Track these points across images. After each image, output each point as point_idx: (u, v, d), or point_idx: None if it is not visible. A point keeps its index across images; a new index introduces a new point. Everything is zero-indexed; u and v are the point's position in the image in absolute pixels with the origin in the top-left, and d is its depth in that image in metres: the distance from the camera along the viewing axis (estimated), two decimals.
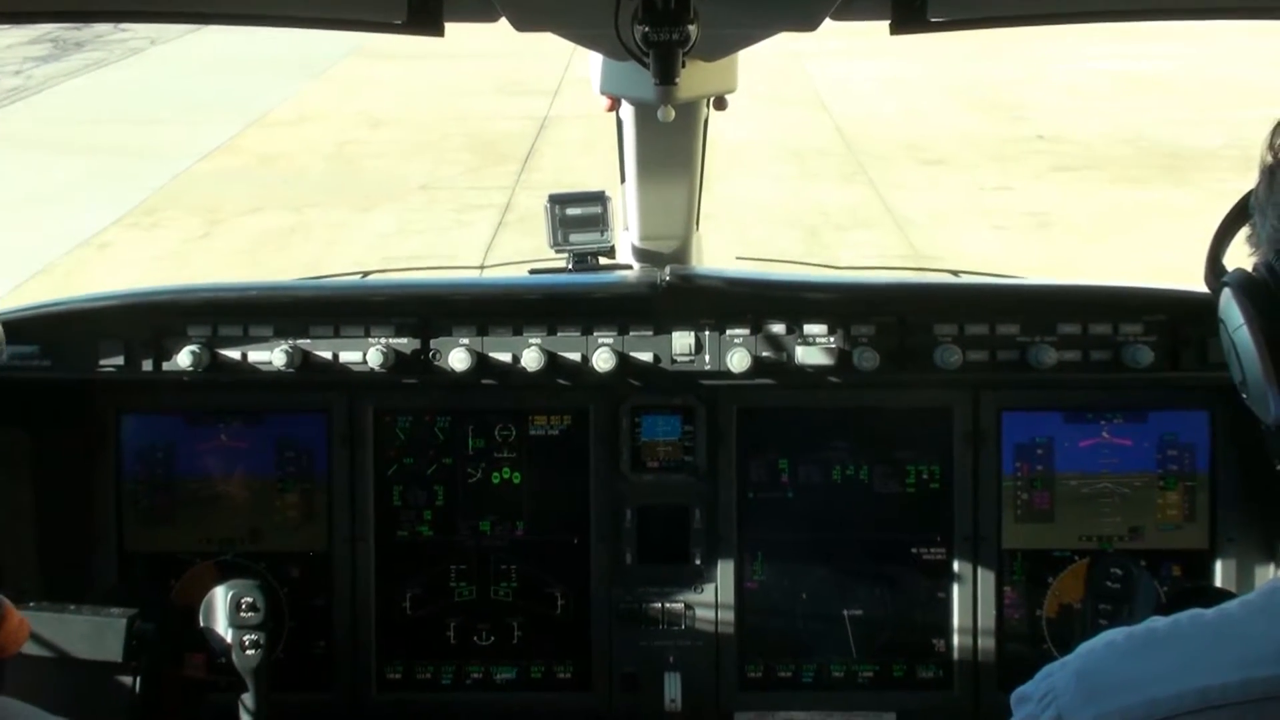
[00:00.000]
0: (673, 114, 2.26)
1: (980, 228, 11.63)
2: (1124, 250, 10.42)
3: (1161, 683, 1.23)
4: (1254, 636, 1.24)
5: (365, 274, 3.24)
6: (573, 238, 2.99)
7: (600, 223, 2.98)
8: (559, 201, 2.99)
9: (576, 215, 2.98)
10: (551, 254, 3.06)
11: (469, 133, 15.73)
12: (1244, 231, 1.49)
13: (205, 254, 11.19)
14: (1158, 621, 1.31)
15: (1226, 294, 1.47)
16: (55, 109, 18.24)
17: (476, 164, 14.25)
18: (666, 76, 1.99)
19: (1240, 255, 1.52)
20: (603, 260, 3.00)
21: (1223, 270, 1.55)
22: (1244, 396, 1.52)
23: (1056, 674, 1.32)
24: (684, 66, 2.02)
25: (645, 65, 2.01)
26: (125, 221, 12.30)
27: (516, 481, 2.86)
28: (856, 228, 11.69)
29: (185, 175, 14.02)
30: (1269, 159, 1.41)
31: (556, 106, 16.52)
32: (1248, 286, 1.43)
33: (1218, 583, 2.80)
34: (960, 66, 19.45)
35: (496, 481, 2.86)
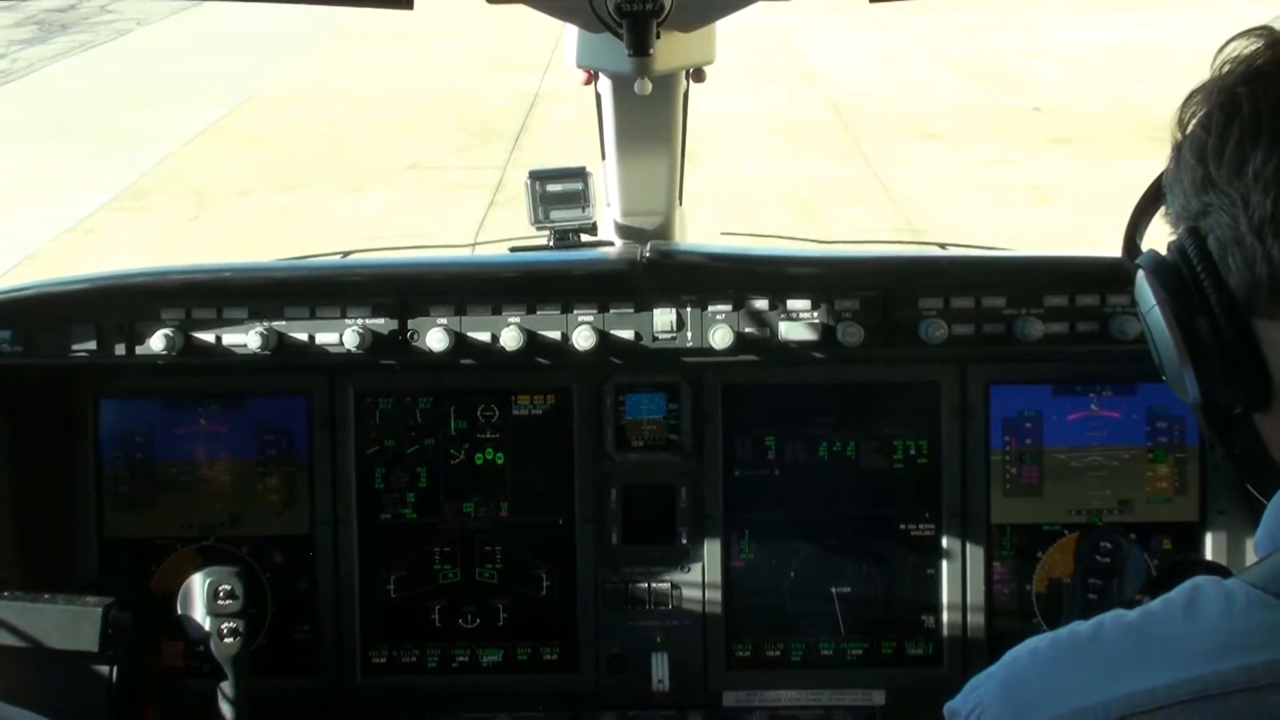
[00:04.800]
0: (650, 87, 2.24)
1: (978, 202, 11.56)
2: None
3: (1087, 690, 1.21)
4: (1178, 637, 1.22)
5: (346, 254, 3.20)
6: (554, 214, 2.95)
7: (581, 199, 2.94)
8: (539, 178, 2.96)
9: (557, 192, 2.95)
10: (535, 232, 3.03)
11: (458, 111, 15.64)
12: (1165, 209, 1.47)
13: (195, 238, 11.12)
14: (1080, 625, 1.28)
15: (1140, 276, 1.45)
16: (41, 92, 18.12)
17: (467, 143, 14.16)
18: (641, 48, 1.96)
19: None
20: (585, 237, 2.97)
21: (1138, 251, 1.54)
22: (1163, 378, 1.49)
23: (983, 687, 1.29)
24: (659, 38, 1.99)
25: (619, 36, 1.98)
26: (113, 205, 12.20)
27: (500, 462, 2.83)
28: (852, 203, 11.62)
29: (173, 158, 13.93)
30: (1177, 135, 1.39)
31: (547, 83, 16.42)
32: (1158, 267, 1.41)
33: (1208, 555, 2.78)
34: (955, 39, 19.33)
35: (480, 462, 2.83)
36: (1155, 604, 1.26)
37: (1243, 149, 1.29)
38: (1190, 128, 1.37)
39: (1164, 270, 1.40)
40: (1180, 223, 1.39)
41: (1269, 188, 1.26)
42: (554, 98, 15.50)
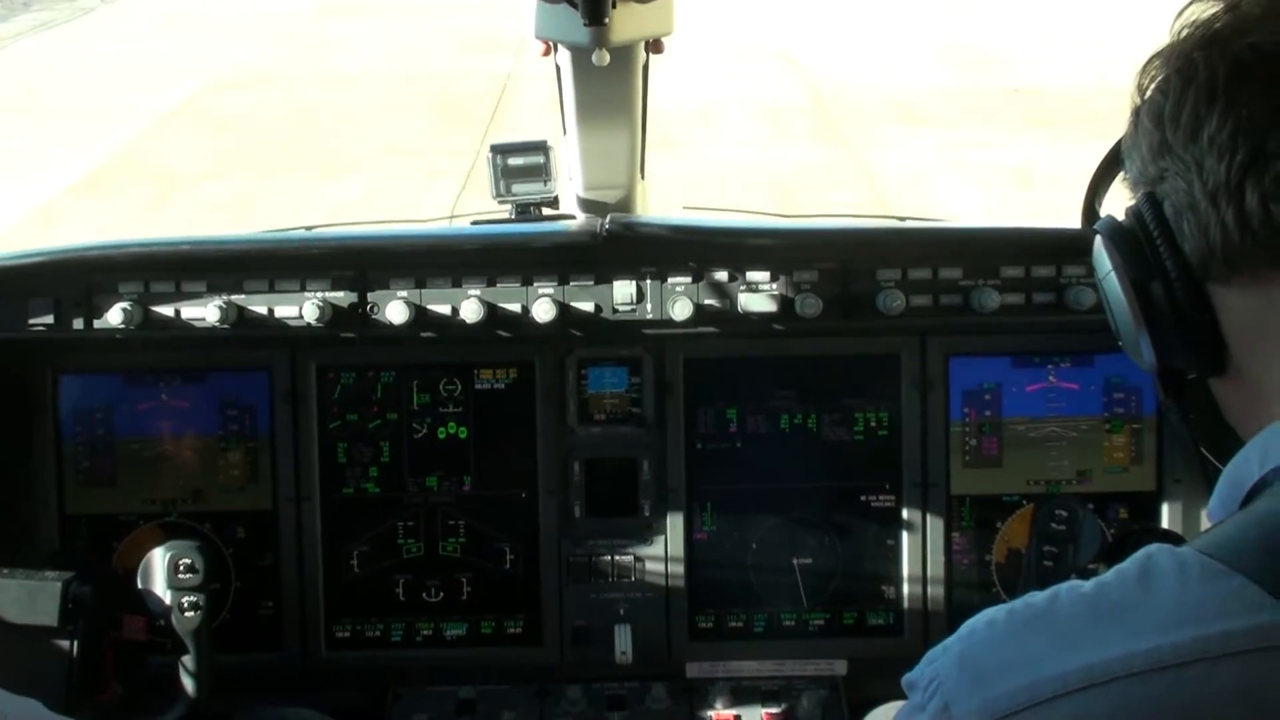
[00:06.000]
0: (607, 58, 2.24)
1: (960, 186, 11.51)
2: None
3: (1044, 662, 1.20)
4: (1133, 607, 1.21)
5: (310, 228, 3.19)
6: (515, 188, 2.95)
7: (543, 173, 2.94)
8: (501, 151, 2.95)
9: (519, 165, 2.94)
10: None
11: (432, 92, 15.48)
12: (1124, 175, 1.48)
13: (161, 224, 10.96)
14: (1036, 597, 1.27)
15: (1097, 241, 1.46)
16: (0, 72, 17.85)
17: (441, 125, 14.01)
18: (596, 17, 1.97)
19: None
20: (546, 211, 2.96)
21: (1096, 217, 1.54)
22: (1120, 345, 1.50)
23: (939, 659, 1.28)
24: (614, 8, 1.99)
25: (574, 6, 1.98)
26: (75, 190, 11.95)
27: (463, 436, 2.83)
28: (833, 189, 11.57)
29: (139, 140, 13.73)
30: (1136, 100, 1.40)
31: (522, 63, 16.29)
32: (1114, 233, 1.42)
33: (1164, 524, 2.81)
34: (935, 17, 19.24)
35: (442, 436, 2.83)
36: (1109, 575, 1.26)
37: (1198, 114, 1.30)
38: (1149, 92, 1.38)
39: (1120, 236, 1.41)
40: (1138, 188, 1.40)
41: (1223, 153, 1.27)
42: (529, 78, 15.37)
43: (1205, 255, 1.32)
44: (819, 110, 14.59)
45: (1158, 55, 1.38)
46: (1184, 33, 1.36)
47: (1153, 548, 1.26)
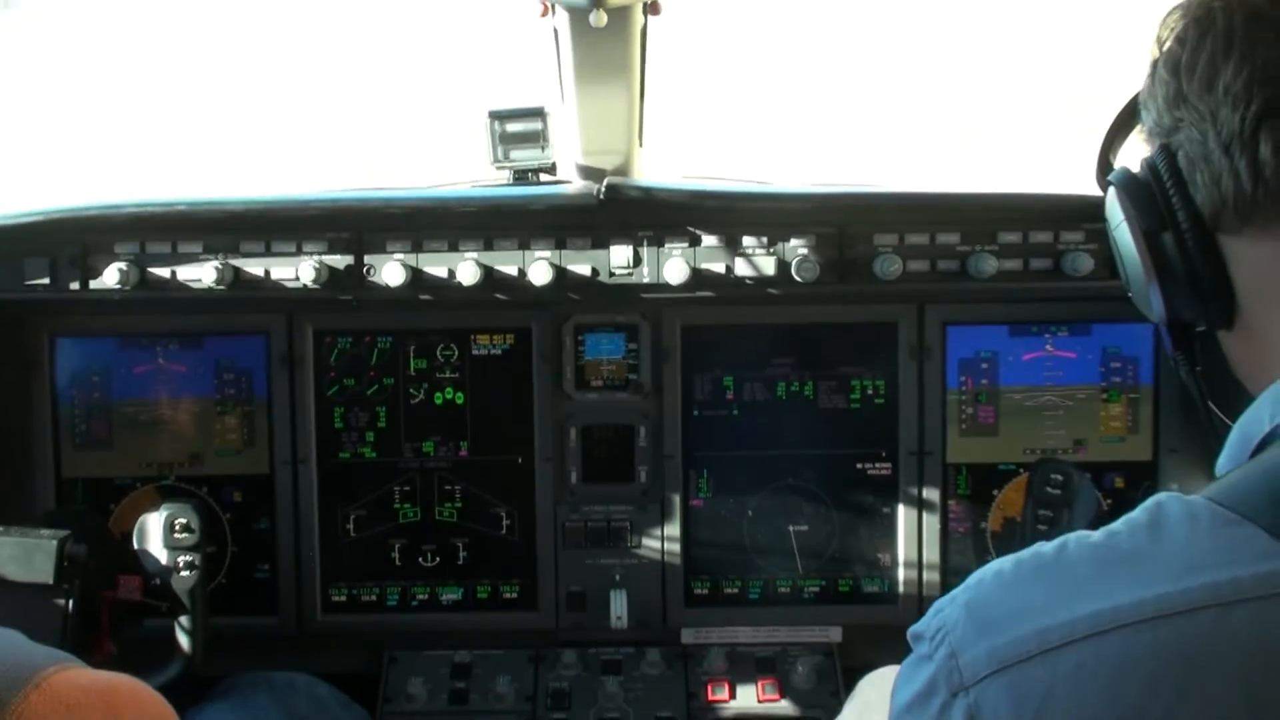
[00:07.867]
0: (605, 19, 2.23)
1: None
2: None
3: (1052, 610, 1.21)
4: (1143, 555, 1.22)
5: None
6: (513, 154, 2.94)
7: (541, 138, 2.92)
8: (499, 117, 2.94)
9: (517, 131, 2.93)
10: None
11: None
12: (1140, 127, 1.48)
13: None
14: (1044, 547, 1.28)
15: (1110, 192, 1.46)
16: None
17: None
18: None
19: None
20: (544, 177, 2.96)
21: (1111, 169, 1.54)
22: (1129, 295, 1.50)
23: (947, 609, 1.29)
24: None
25: None
26: None
27: (460, 402, 2.84)
28: None
29: None
30: (1155, 52, 1.39)
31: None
32: (1128, 184, 1.42)
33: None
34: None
35: (439, 402, 2.84)
36: (1118, 524, 1.26)
37: (1214, 64, 1.30)
38: (1167, 44, 1.37)
39: (1133, 187, 1.41)
40: (1154, 140, 1.40)
41: (1238, 103, 1.27)
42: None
43: (1217, 206, 1.32)
44: None
45: (1178, 7, 1.37)
46: None
47: (1162, 496, 1.26)
